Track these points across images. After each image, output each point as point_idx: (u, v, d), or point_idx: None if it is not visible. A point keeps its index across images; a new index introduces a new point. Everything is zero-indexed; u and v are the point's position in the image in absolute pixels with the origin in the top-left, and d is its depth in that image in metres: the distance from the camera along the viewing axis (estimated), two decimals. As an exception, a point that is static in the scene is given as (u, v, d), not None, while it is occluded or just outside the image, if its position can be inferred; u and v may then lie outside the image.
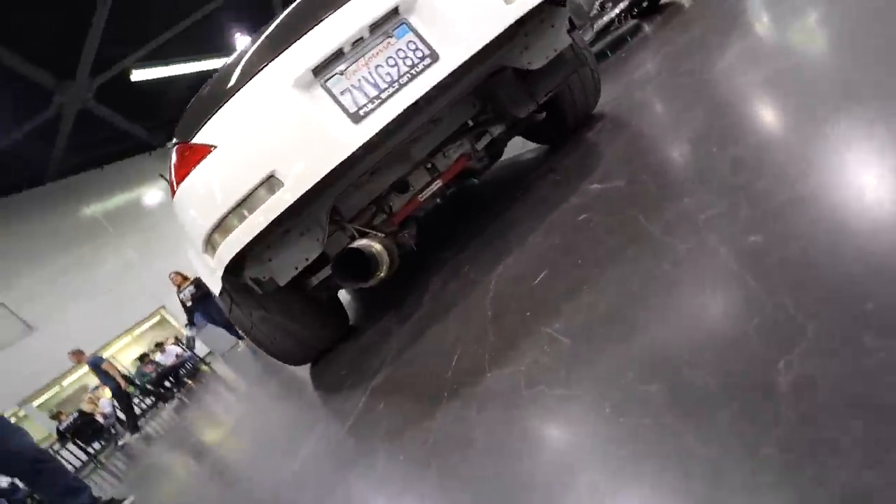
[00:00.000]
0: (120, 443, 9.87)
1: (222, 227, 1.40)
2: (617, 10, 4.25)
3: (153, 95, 10.92)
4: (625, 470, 0.55)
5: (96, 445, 10.53)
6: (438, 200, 2.52)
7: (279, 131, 1.37)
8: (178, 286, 7.03)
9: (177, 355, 9.31)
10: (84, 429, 10.58)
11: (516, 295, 1.15)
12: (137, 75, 9.68)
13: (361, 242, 1.61)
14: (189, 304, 6.92)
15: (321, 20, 1.43)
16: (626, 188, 1.24)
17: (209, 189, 1.39)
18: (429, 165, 2.04)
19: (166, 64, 9.85)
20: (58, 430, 10.57)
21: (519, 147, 3.24)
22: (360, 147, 1.38)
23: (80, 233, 13.66)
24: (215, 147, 1.38)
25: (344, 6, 1.43)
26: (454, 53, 1.43)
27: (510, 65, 1.69)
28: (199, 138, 1.42)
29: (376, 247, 1.62)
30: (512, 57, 1.67)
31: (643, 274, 0.85)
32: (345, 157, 1.37)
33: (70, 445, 10.09)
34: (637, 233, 0.98)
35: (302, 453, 1.36)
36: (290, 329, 1.97)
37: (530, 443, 0.69)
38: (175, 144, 1.51)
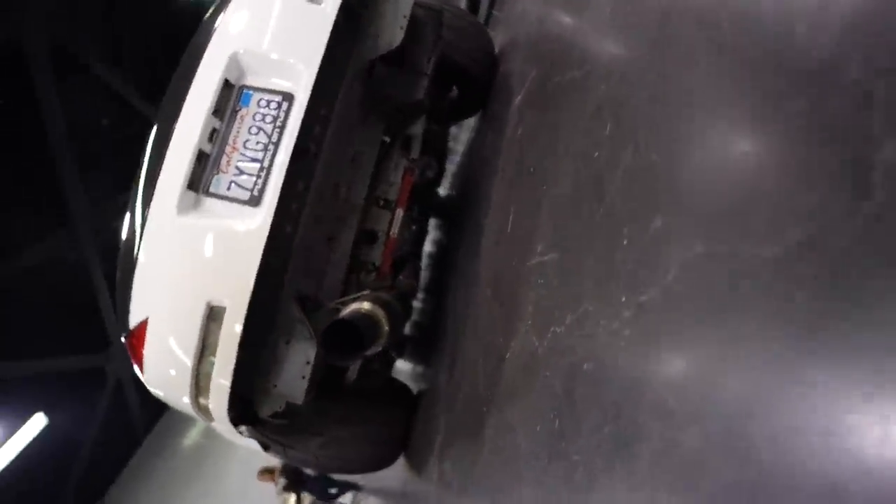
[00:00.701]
0: None
1: (200, 386, 1.26)
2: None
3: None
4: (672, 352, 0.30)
5: None
6: (414, 227, 2.33)
7: (190, 263, 1.26)
8: (273, 482, 6.88)
9: None
10: None
11: (501, 253, 0.95)
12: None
13: (346, 312, 1.43)
14: (285, 484, 6.81)
15: (169, 137, 1.34)
16: (539, 74, 1.06)
17: (166, 359, 1.27)
18: (380, 202, 1.88)
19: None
20: None
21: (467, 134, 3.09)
22: (274, 224, 1.23)
23: (192, 461, 14.22)
24: (147, 319, 1.27)
25: (181, 112, 1.34)
26: (303, 81, 1.30)
27: (375, 56, 1.55)
28: (133, 321, 1.32)
29: (365, 307, 1.43)
30: (370, 49, 1.53)
31: (584, 132, 0.62)
32: (263, 244, 1.22)
33: None
34: (562, 101, 0.77)
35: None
36: (358, 435, 1.77)
37: (567, 406, 0.45)
38: (124, 341, 1.41)
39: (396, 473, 2.09)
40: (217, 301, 1.22)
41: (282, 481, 6.70)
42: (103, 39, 5.94)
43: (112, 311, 9.03)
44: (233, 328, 1.21)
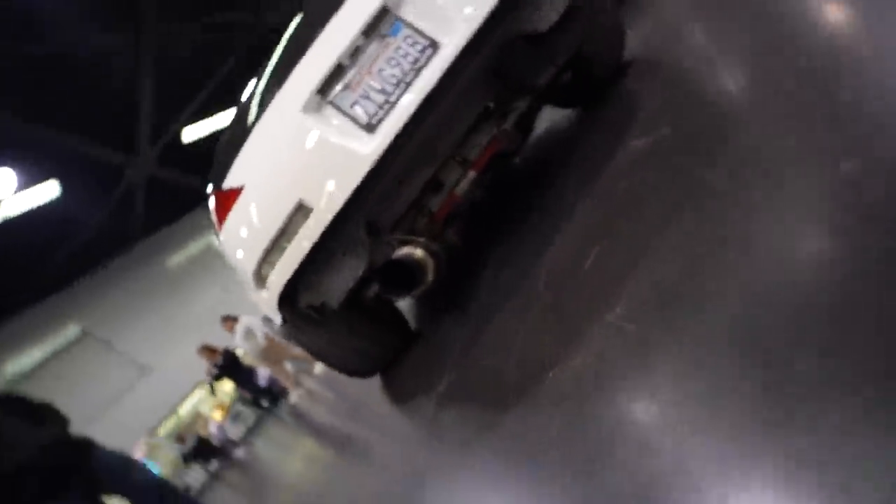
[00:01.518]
0: (236, 458, 11.00)
1: (267, 261, 1.44)
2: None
3: (205, 149, 11.98)
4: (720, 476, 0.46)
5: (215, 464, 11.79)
6: (478, 190, 2.44)
7: (298, 160, 1.37)
8: (210, 360, 7.36)
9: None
10: (202, 451, 11.94)
11: (571, 277, 1.07)
12: (188, 135, 10.61)
13: (402, 252, 1.58)
14: (215, 374, 7.36)
15: (314, 39, 1.40)
16: (675, 135, 1.09)
17: (247, 228, 1.43)
18: (459, 159, 1.97)
19: (211, 116, 10.67)
20: (182, 455, 12.01)
21: (551, 113, 3.06)
22: (382, 156, 1.34)
23: (173, 282, 15.28)
24: (243, 188, 1.42)
25: (332, 19, 1.39)
26: (454, 37, 1.34)
27: (519, 31, 1.56)
28: (228, 182, 1.46)
29: (417, 253, 1.58)
30: (520, 23, 1.54)
31: (710, 234, 0.73)
32: (367, 170, 1.34)
33: (193, 467, 11.49)
34: (694, 186, 0.85)
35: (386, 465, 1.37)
36: (357, 346, 2.00)
37: (605, 450, 0.62)
38: (211, 192, 1.57)
39: (363, 390, 2.33)
40: (308, 201, 1.36)
41: (216, 365, 7.23)
42: None
43: (147, 121, 9.21)
44: (314, 229, 1.37)
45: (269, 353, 6.84)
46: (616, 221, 1.05)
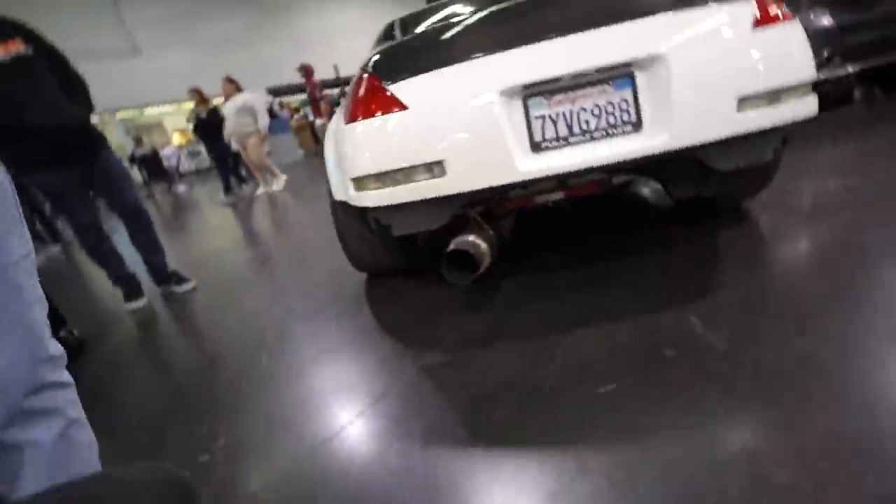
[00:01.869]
0: (175, 189, 11.29)
1: (378, 178, 1.49)
2: (845, 72, 3.65)
3: None
4: None
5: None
6: (550, 205, 2.54)
7: (466, 127, 1.38)
8: (198, 103, 7.00)
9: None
10: (152, 163, 12.13)
11: (577, 388, 1.23)
12: None
13: (469, 240, 1.71)
14: (194, 123, 7.08)
15: (558, 35, 1.36)
16: (723, 361, 1.19)
17: (384, 142, 1.44)
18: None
19: None
20: (132, 154, 12.13)
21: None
22: (528, 180, 1.40)
23: (205, -10, 13.78)
24: (406, 108, 1.43)
25: (589, 32, 1.33)
26: (660, 137, 1.35)
27: (696, 155, 1.60)
28: (395, 90, 1.44)
29: (482, 247, 1.73)
30: (707, 155, 1.50)
31: (699, 482, 0.90)
32: (511, 181, 1.41)
33: (133, 169, 11.80)
34: (707, 429, 1.00)
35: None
36: (376, 251, 2.19)
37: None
38: (367, 74, 1.54)
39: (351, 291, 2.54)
40: (447, 165, 1.42)
41: (198, 116, 6.91)
42: None
43: None
44: (434, 189, 1.45)
45: (253, 148, 6.70)
46: (639, 377, 1.19)
